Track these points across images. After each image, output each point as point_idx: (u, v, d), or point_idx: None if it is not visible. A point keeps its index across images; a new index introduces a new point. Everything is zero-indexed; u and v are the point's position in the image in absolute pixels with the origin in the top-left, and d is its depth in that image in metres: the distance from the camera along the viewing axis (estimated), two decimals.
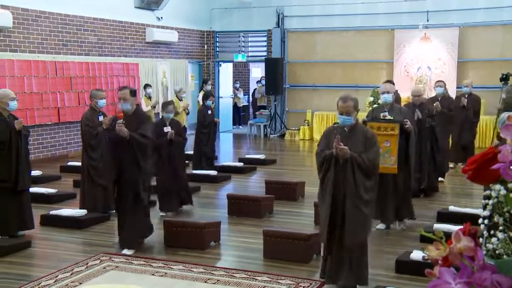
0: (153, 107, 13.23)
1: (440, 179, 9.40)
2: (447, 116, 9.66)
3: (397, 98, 7.46)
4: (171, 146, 7.73)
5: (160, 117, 8.14)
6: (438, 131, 8.70)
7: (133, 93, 6.38)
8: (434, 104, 9.19)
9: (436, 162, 8.74)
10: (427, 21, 15.14)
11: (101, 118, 7.68)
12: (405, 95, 13.73)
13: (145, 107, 13.09)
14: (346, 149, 4.83)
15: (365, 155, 4.89)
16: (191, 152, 11.18)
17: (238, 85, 20.52)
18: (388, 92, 7.21)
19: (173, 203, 7.89)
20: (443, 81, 10.36)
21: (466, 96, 10.86)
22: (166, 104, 8.20)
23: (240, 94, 20.49)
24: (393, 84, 11.66)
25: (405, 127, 6.80)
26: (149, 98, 13.26)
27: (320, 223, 5.12)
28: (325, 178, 4.95)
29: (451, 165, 10.70)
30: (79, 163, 9.84)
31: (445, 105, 9.60)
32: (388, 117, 6.94)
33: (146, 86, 13.47)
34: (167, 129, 7.75)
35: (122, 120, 6.09)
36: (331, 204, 4.89)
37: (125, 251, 6.22)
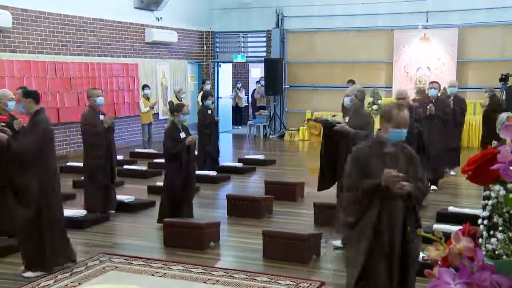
0: (152, 107, 13.24)
1: (432, 187, 8.77)
2: (441, 120, 9.02)
3: (364, 99, 6.59)
4: (189, 152, 7.14)
5: (170, 121, 7.40)
6: (426, 137, 8.23)
7: (27, 94, 5.65)
8: (428, 107, 8.74)
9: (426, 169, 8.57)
10: (427, 21, 15.14)
11: (101, 117, 7.67)
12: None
13: (143, 108, 13.09)
14: (409, 186, 3.75)
15: (420, 183, 3.89)
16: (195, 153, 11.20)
17: (240, 85, 20.51)
18: (347, 95, 6.63)
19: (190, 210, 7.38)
20: (437, 82, 9.70)
21: (452, 98, 10.22)
22: (180, 106, 7.40)
23: (242, 94, 20.50)
24: (354, 83, 11.67)
25: (333, 128, 6.33)
26: (147, 98, 13.26)
27: (349, 266, 4.09)
28: (361, 219, 3.84)
29: (452, 172, 10.42)
30: (78, 164, 9.85)
31: (439, 108, 8.96)
32: (330, 119, 6.84)
33: (144, 86, 13.49)
34: (183, 134, 7.15)
35: (3, 123, 5.66)
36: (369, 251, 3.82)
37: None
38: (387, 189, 3.72)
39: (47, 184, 5.49)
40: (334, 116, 6.63)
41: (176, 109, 7.35)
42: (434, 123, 8.74)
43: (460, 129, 10.66)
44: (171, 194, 7.11)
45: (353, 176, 3.88)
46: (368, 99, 14.48)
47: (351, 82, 11.67)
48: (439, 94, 9.53)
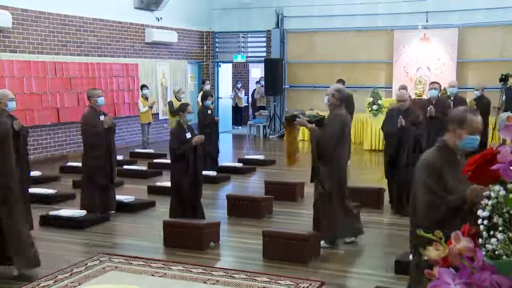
0: (150, 107, 13.20)
1: None
2: (441, 122, 8.68)
3: (342, 99, 6.48)
4: (196, 152, 7.02)
5: (176, 122, 7.28)
6: (424, 142, 7.79)
7: None
8: (428, 108, 8.62)
9: None
10: (427, 21, 15.14)
11: (102, 118, 7.67)
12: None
13: (142, 108, 13.06)
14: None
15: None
16: None
17: (240, 85, 20.50)
18: (326, 95, 6.54)
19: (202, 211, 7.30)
20: (438, 83, 9.50)
21: (452, 98, 9.97)
22: (185, 105, 7.30)
23: (242, 94, 20.49)
24: (344, 82, 11.55)
25: (294, 122, 6.44)
26: (146, 98, 13.23)
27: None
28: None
29: None
30: (78, 164, 9.85)
31: (439, 109, 8.72)
32: (306, 113, 6.82)
33: (143, 86, 13.46)
34: (189, 134, 7.04)
35: None
36: None
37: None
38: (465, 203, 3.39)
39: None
40: (317, 113, 6.63)
41: (180, 109, 7.28)
42: (434, 125, 8.52)
43: None
44: (179, 195, 7.02)
45: (436, 190, 3.54)
46: (368, 99, 14.49)
47: (341, 81, 11.62)
48: (439, 95, 9.42)
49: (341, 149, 6.33)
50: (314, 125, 6.35)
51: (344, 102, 6.53)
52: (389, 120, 7.91)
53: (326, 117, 6.45)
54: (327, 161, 6.25)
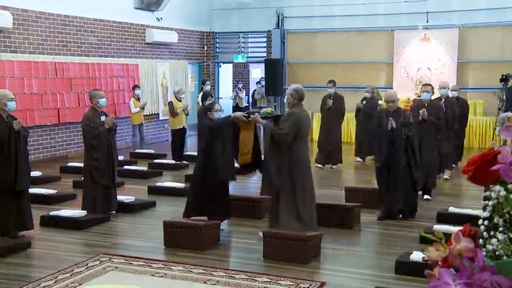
0: (142, 108, 13.06)
1: (426, 197, 8.57)
2: (434, 126, 8.52)
3: (300, 98, 6.33)
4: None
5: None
6: (416, 143, 7.54)
7: None
8: (420, 112, 8.29)
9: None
10: (427, 22, 15.14)
11: (103, 118, 7.67)
12: (405, 96, 13.76)
13: (133, 109, 12.96)
14: None
15: None
16: (195, 153, 11.17)
17: (241, 85, 20.50)
18: (287, 94, 6.64)
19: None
20: (430, 85, 9.08)
21: (444, 100, 9.61)
22: (212, 105, 7.22)
23: (242, 95, 20.49)
24: (334, 83, 11.55)
25: (248, 119, 6.67)
26: (138, 99, 13.13)
27: None
28: None
29: (446, 176, 10.14)
30: (79, 164, 9.86)
31: (433, 112, 8.46)
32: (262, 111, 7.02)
33: (135, 87, 13.36)
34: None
35: None
36: None
37: None
38: None
39: None
40: (272, 111, 6.69)
41: (208, 108, 7.17)
42: (425, 128, 8.27)
43: (452, 133, 9.86)
44: (213, 175, 6.78)
45: None
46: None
47: (332, 82, 11.61)
48: (432, 98, 8.91)
49: (298, 145, 6.34)
50: (270, 121, 6.65)
51: (301, 100, 6.53)
52: (378, 123, 7.62)
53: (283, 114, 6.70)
54: (282, 155, 6.30)
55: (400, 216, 7.52)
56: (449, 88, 10.16)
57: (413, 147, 7.35)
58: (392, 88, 15.51)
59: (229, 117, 6.92)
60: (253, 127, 6.98)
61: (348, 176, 11.37)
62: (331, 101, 11.41)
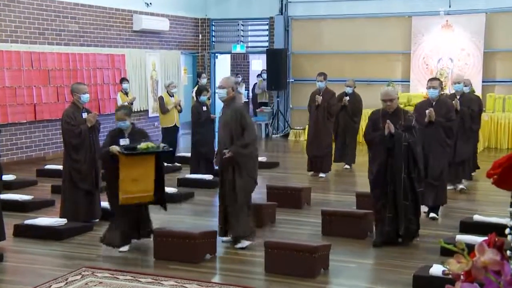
0: (130, 103, 13.06)
1: (432, 215, 8.00)
2: (443, 128, 7.92)
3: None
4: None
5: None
6: (419, 151, 6.87)
7: None
8: (427, 111, 7.79)
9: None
10: (449, 7, 15.14)
11: (85, 115, 7.68)
12: (424, 91, 13.76)
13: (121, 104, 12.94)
14: None
15: None
16: (188, 154, 11.20)
17: (240, 79, 20.51)
18: (222, 88, 6.86)
19: None
20: (438, 80, 8.51)
21: (459, 97, 9.29)
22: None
23: (242, 89, 20.48)
24: (325, 77, 11.32)
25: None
26: (126, 94, 13.14)
27: None
28: None
29: (450, 187, 9.24)
30: (58, 166, 9.86)
31: (442, 113, 7.88)
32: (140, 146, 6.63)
33: (123, 80, 13.37)
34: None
35: None
36: None
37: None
38: None
39: None
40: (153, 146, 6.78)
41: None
42: (432, 132, 7.77)
43: (469, 135, 9.53)
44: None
45: None
46: None
47: (322, 75, 11.31)
48: (440, 95, 8.32)
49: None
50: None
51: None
52: (374, 126, 6.93)
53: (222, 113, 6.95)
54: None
55: (400, 240, 6.89)
56: (464, 83, 9.73)
57: (416, 156, 6.75)
58: (409, 82, 15.51)
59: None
60: (152, 160, 6.75)
61: (361, 180, 11.35)
62: (321, 97, 10.89)
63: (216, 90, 6.98)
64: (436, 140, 7.82)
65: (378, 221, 6.92)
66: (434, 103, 8.02)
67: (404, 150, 6.66)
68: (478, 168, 10.50)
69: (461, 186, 9.67)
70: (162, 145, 6.94)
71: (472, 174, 10.14)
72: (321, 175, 10.98)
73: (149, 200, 6.76)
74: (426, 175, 7.33)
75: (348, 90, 11.79)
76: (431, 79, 8.50)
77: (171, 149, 6.71)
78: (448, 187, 9.01)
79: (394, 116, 6.78)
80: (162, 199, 6.93)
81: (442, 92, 9.76)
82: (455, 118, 8.17)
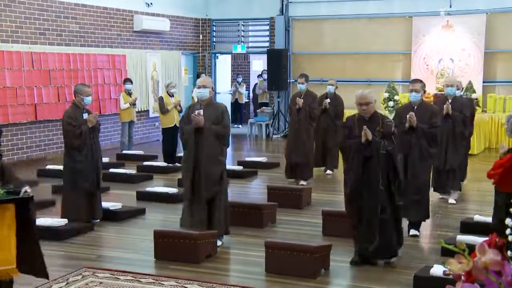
0: (132, 104, 13.03)
1: (413, 232, 7.27)
2: (426, 136, 7.20)
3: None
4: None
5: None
6: (399, 159, 6.40)
7: None
8: (408, 116, 7.10)
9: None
10: (450, 7, 15.13)
11: (85, 116, 7.69)
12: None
13: (123, 104, 12.94)
14: None
15: None
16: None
17: (240, 79, 20.51)
18: (204, 87, 6.84)
19: None
20: (420, 82, 7.66)
21: (450, 101, 8.72)
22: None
23: (242, 89, 20.49)
24: (307, 79, 10.74)
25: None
26: (129, 94, 13.11)
27: None
28: None
29: (451, 200, 8.88)
30: (59, 167, 9.86)
31: (424, 118, 7.20)
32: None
33: (126, 80, 13.35)
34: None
35: None
36: None
37: None
38: None
39: None
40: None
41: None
42: (414, 139, 7.16)
43: (461, 142, 8.90)
44: None
45: None
46: (384, 95, 14.51)
47: (304, 77, 10.80)
48: (422, 99, 7.60)
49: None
50: None
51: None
52: (349, 133, 6.32)
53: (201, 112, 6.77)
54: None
55: (379, 260, 6.33)
56: (456, 86, 9.03)
57: (396, 165, 6.13)
58: (414, 81, 15.47)
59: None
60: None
61: None
62: (302, 100, 10.16)
63: (198, 90, 6.82)
64: (417, 148, 7.14)
65: (356, 238, 6.32)
66: (415, 107, 7.33)
67: (383, 159, 6.00)
68: (465, 177, 9.85)
69: (451, 200, 8.89)
70: (24, 189, 4.74)
71: (462, 183, 9.55)
72: (302, 182, 10.16)
73: (12, 275, 4.67)
74: (406, 187, 6.64)
75: (330, 88, 11.34)
76: (412, 81, 7.82)
77: (31, 195, 4.65)
78: (439, 196, 8.99)
79: (371, 122, 6.16)
80: (36, 269, 4.83)
81: (460, 93, 9.46)
82: (439, 125, 7.42)
